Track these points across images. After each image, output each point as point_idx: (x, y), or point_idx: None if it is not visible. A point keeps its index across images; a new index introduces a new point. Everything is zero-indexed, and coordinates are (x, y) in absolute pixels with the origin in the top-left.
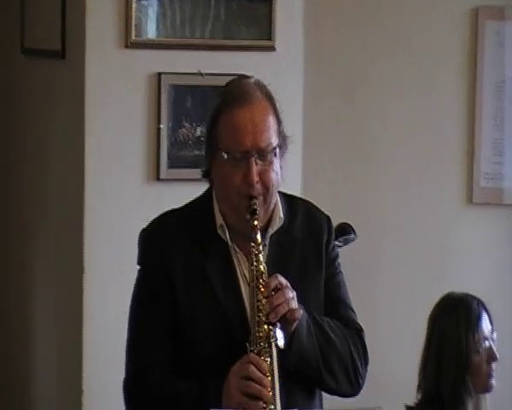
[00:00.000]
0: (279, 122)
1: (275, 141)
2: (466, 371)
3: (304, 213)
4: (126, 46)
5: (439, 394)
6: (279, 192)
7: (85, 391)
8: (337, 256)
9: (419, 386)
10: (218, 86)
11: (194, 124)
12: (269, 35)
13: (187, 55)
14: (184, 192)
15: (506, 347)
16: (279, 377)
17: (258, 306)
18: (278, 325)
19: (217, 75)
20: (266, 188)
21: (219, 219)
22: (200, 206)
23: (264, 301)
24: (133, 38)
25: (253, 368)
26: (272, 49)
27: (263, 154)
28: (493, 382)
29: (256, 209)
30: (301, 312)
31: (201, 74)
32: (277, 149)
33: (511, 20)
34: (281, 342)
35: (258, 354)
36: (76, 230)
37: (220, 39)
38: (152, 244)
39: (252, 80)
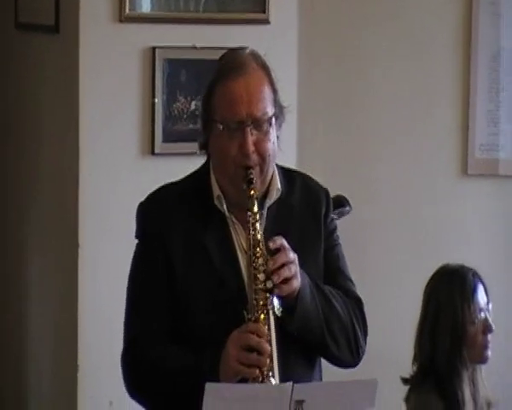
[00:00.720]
0: (275, 92)
1: (270, 110)
2: (461, 343)
3: (302, 185)
4: (120, 20)
5: (435, 365)
6: (277, 165)
7: (80, 367)
8: (335, 228)
9: (414, 358)
10: (212, 60)
11: (188, 98)
12: (263, 8)
13: (181, 28)
14: (179, 166)
15: (500, 318)
16: (279, 345)
17: (255, 274)
18: (275, 292)
19: (211, 49)
20: (262, 158)
21: (216, 191)
22: (197, 178)
23: (261, 268)
24: (127, 12)
25: (252, 337)
26: (266, 22)
27: (258, 123)
28: (489, 353)
29: (252, 179)
30: (299, 281)
31: (196, 48)
32: (273, 119)
33: None
34: (279, 311)
35: (256, 321)
36: (70, 204)
37: (214, 13)
38: (149, 217)
39: (247, 51)
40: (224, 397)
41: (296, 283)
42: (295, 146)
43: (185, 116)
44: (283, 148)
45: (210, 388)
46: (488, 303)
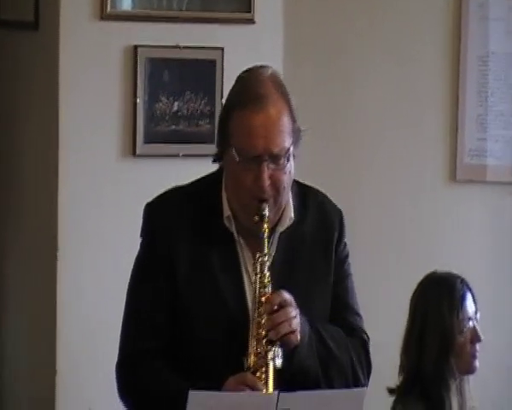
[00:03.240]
0: (294, 120)
1: (288, 143)
2: (449, 352)
3: (316, 207)
4: (101, 18)
5: (421, 375)
6: (293, 181)
7: (59, 372)
8: (347, 256)
9: (401, 367)
10: (195, 59)
11: (171, 98)
12: (248, 7)
13: (164, 27)
14: (161, 168)
15: (488, 327)
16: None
17: (258, 321)
18: (278, 343)
19: (195, 48)
20: (277, 190)
21: (227, 211)
22: (209, 189)
23: (265, 316)
24: (108, 9)
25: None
26: (251, 21)
27: (275, 158)
28: (477, 363)
29: (265, 214)
30: (299, 337)
31: (179, 47)
32: (291, 150)
33: None
34: (278, 362)
35: (255, 371)
36: (49, 210)
37: (198, 11)
38: (156, 219)
39: (267, 74)
40: (209, 406)
41: (296, 338)
42: None
43: (167, 117)
44: None
45: (193, 396)
46: (476, 312)
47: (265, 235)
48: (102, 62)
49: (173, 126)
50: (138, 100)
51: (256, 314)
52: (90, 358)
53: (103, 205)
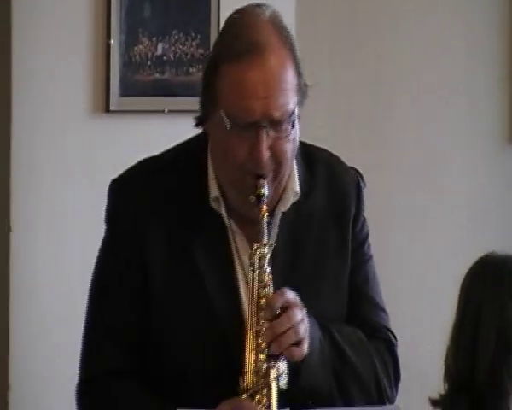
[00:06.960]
0: (299, 74)
1: (293, 103)
2: (509, 351)
3: (326, 174)
4: None
5: (473, 381)
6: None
7: (12, 386)
8: (367, 236)
9: (447, 373)
10: None
11: (153, 39)
12: None
13: None
14: (141, 127)
15: None
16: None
17: (257, 331)
18: (282, 357)
19: None
20: (279, 163)
21: (214, 191)
22: (191, 160)
23: (265, 324)
24: None
25: None
26: None
27: (277, 124)
28: None
29: (264, 194)
30: (306, 347)
31: None
32: (296, 112)
33: None
34: (283, 381)
35: (253, 395)
36: (0, 178)
37: None
38: (124, 202)
39: (266, 16)
40: None
41: (303, 349)
42: None
43: (149, 63)
44: None
45: None
46: None
47: (265, 219)
48: None
49: (157, 74)
50: (112, 41)
51: (254, 321)
52: (47, 362)
53: (68, 174)
